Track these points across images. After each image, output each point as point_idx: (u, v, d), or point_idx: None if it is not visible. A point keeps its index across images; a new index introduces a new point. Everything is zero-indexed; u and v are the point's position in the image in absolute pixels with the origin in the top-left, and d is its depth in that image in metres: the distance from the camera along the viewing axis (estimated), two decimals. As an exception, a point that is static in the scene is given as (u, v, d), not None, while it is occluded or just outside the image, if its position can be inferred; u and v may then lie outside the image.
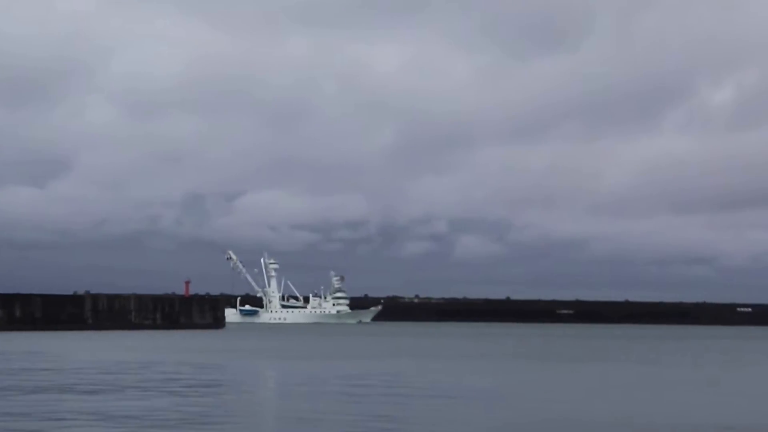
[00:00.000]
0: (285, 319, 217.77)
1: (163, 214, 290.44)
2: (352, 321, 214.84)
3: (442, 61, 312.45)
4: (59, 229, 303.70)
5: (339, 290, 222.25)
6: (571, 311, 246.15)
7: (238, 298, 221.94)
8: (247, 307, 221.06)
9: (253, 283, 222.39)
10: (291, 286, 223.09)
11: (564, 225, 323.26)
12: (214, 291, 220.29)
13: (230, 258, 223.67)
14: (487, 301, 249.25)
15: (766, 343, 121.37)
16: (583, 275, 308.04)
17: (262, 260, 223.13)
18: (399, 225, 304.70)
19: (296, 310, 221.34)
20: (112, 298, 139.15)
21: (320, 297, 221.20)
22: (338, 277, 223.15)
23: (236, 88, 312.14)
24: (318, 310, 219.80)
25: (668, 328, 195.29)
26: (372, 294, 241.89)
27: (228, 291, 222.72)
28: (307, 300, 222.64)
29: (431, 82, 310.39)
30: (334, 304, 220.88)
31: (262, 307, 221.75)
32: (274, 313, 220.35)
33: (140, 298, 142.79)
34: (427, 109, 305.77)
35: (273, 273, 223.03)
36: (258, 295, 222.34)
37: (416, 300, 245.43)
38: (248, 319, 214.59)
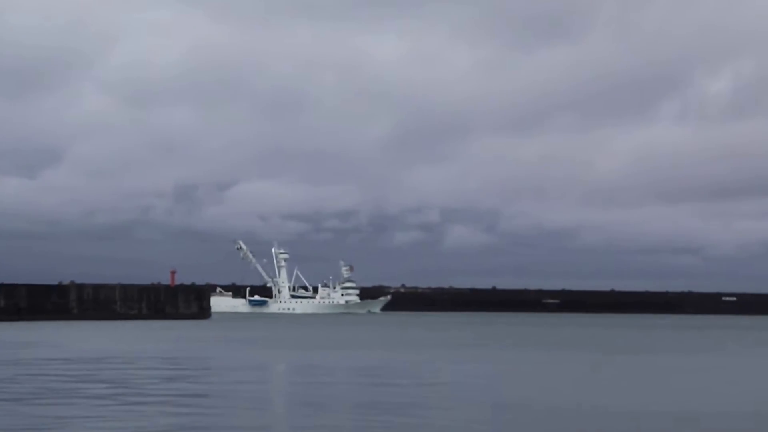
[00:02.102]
0: (294, 309, 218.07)
1: (154, 204, 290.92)
2: (362, 311, 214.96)
3: (443, 52, 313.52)
4: (49, 219, 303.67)
5: (348, 280, 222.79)
6: (557, 301, 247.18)
7: (248, 288, 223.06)
8: (256, 297, 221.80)
9: (264, 273, 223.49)
10: (301, 276, 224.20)
11: (555, 215, 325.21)
12: (201, 281, 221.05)
13: (240, 248, 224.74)
14: (473, 291, 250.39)
15: (727, 332, 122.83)
16: (571, 265, 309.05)
17: (272, 250, 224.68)
18: (390, 215, 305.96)
19: (305, 300, 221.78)
20: (97, 288, 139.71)
21: (329, 287, 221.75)
22: (347, 267, 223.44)
23: (234, 77, 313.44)
24: (327, 300, 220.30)
25: (653, 317, 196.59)
26: (360, 284, 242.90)
27: (238, 281, 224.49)
28: (316, 290, 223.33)
29: (431, 73, 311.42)
30: (342, 294, 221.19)
31: (271, 297, 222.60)
32: (283, 304, 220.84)
33: (125, 288, 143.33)
34: (426, 99, 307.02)
35: (283, 263, 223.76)
36: (268, 285, 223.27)
37: (402, 290, 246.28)
38: (257, 309, 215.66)
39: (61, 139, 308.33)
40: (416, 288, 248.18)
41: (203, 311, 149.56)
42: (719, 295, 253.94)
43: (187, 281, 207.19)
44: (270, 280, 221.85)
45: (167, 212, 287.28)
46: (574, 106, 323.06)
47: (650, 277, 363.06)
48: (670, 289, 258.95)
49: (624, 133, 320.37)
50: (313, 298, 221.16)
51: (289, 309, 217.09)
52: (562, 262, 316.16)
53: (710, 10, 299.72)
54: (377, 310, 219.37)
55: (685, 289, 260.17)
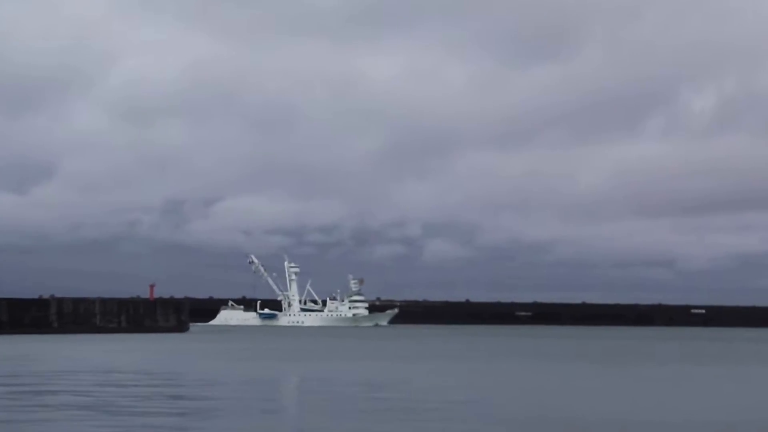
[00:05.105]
0: (302, 322, 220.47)
1: (141, 219, 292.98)
2: (369, 324, 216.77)
3: (437, 70, 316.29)
4: (36, 234, 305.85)
5: (356, 293, 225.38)
6: (529, 313, 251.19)
7: (258, 302, 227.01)
8: (266, 310, 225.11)
9: (275, 287, 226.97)
10: (311, 290, 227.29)
11: (533, 229, 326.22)
12: (181, 294, 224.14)
13: (252, 262, 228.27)
14: (447, 304, 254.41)
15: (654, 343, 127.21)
16: (545, 278, 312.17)
17: (285, 264, 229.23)
18: (373, 229, 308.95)
19: (313, 314, 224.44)
20: (77, 302, 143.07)
21: (338, 300, 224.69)
22: (356, 281, 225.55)
23: (228, 94, 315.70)
24: (334, 314, 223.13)
25: (622, 330, 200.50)
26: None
27: (250, 294, 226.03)
28: (325, 303, 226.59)
29: (424, 90, 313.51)
30: (350, 308, 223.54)
31: (281, 310, 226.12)
32: (291, 317, 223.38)
33: (105, 302, 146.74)
34: (417, 115, 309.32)
35: (293, 276, 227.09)
36: (279, 298, 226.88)
37: (378, 302, 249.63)
38: (268, 323, 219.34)
39: (54, 155, 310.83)
40: (392, 301, 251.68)
41: (181, 324, 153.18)
42: (688, 307, 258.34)
43: (169, 294, 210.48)
44: (281, 293, 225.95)
45: (153, 227, 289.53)
46: (561, 123, 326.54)
47: (622, 290, 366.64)
48: (641, 302, 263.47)
49: (608, 148, 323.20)
50: (321, 311, 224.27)
51: (297, 322, 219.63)
52: (536, 275, 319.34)
53: (696, 27, 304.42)
54: (385, 323, 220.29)
55: (656, 302, 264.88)
